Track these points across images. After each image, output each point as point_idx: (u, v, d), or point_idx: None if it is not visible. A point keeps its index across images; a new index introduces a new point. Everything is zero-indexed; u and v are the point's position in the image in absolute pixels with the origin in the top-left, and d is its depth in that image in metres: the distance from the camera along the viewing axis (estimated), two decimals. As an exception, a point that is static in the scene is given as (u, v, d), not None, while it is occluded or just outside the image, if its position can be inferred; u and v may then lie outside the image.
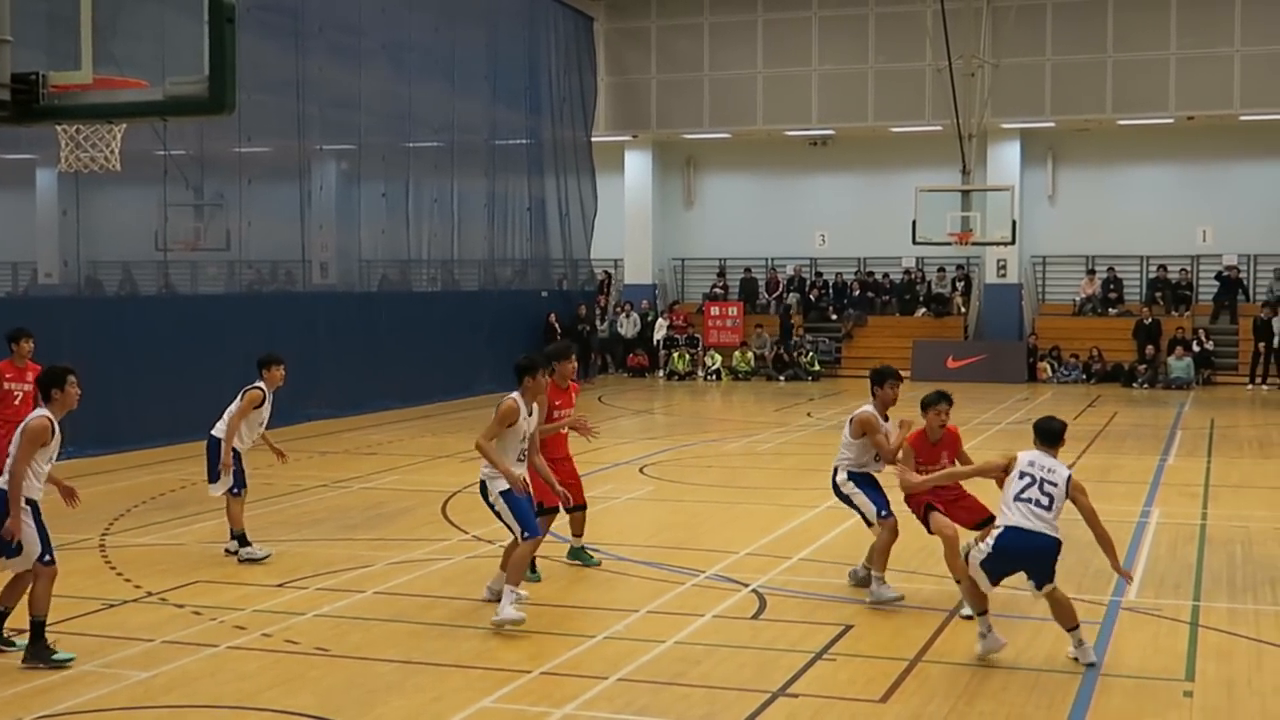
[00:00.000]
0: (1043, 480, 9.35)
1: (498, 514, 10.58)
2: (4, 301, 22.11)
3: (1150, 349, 33.93)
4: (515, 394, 10.61)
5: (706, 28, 37.89)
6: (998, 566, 9.30)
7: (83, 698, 8.60)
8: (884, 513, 11.11)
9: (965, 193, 33.50)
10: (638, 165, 39.85)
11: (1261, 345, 33.40)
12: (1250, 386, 33.25)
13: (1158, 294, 36.03)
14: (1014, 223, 33.40)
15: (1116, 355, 34.42)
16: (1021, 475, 9.41)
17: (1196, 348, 33.85)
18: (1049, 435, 9.67)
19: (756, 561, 12.78)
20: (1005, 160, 36.65)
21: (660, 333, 37.26)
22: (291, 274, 26.59)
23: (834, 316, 37.99)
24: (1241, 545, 13.83)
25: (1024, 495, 9.31)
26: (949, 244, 33.54)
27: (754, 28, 37.44)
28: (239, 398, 13.05)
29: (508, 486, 10.36)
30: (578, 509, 12.26)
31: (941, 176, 34.63)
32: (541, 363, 11.09)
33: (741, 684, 9.01)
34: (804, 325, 37.67)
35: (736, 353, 36.69)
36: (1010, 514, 9.32)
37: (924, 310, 37.61)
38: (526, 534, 10.38)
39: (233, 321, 23.39)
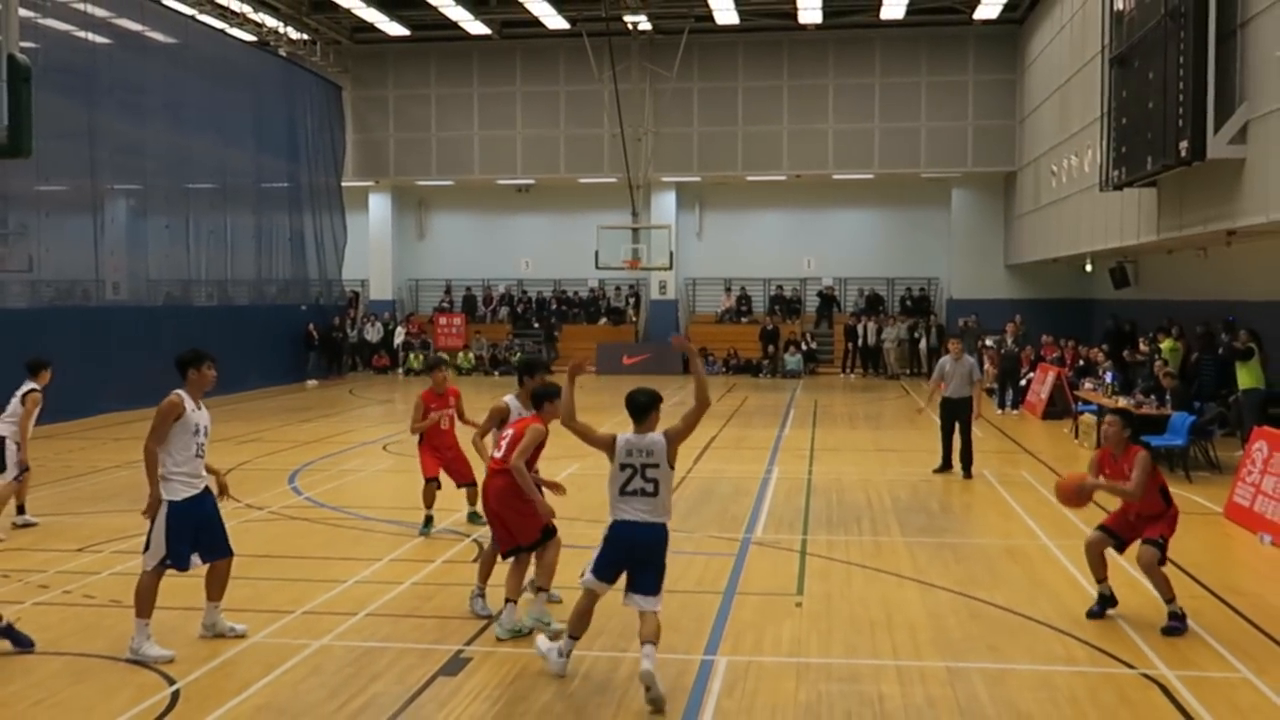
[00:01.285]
0: (645, 466, 7.38)
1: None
2: None
3: (771, 348, 35.30)
4: (509, 396, 9.71)
5: (434, 97, 37.44)
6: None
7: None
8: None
9: (635, 230, 34.25)
10: (379, 205, 39.05)
11: (850, 345, 35.21)
12: (843, 375, 35.03)
13: (776, 307, 37.52)
14: (671, 253, 34.36)
15: (747, 353, 35.68)
16: (623, 468, 7.43)
17: (805, 347, 35.37)
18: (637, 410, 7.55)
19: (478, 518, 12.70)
20: (664, 205, 37.44)
21: (399, 338, 36.64)
22: (87, 291, 24.92)
23: (536, 325, 38.09)
24: (836, 493, 14.49)
25: (629, 488, 7.42)
26: (623, 269, 34.24)
27: (470, 98, 37.21)
28: (20, 400, 11.87)
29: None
30: (470, 485, 12.08)
31: (616, 217, 35.18)
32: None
33: (465, 614, 8.92)
34: (513, 332, 37.65)
35: (460, 354, 36.37)
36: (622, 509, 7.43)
37: (605, 319, 38.12)
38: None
39: (33, 331, 21.74)
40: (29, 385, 12.02)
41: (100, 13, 24.55)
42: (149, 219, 27.32)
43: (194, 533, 8.03)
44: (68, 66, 22.92)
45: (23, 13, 6.60)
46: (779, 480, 15.53)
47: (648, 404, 7.53)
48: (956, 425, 15.81)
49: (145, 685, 7.36)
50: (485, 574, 8.98)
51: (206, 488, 8.18)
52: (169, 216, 27.54)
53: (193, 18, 29.69)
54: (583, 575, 7.54)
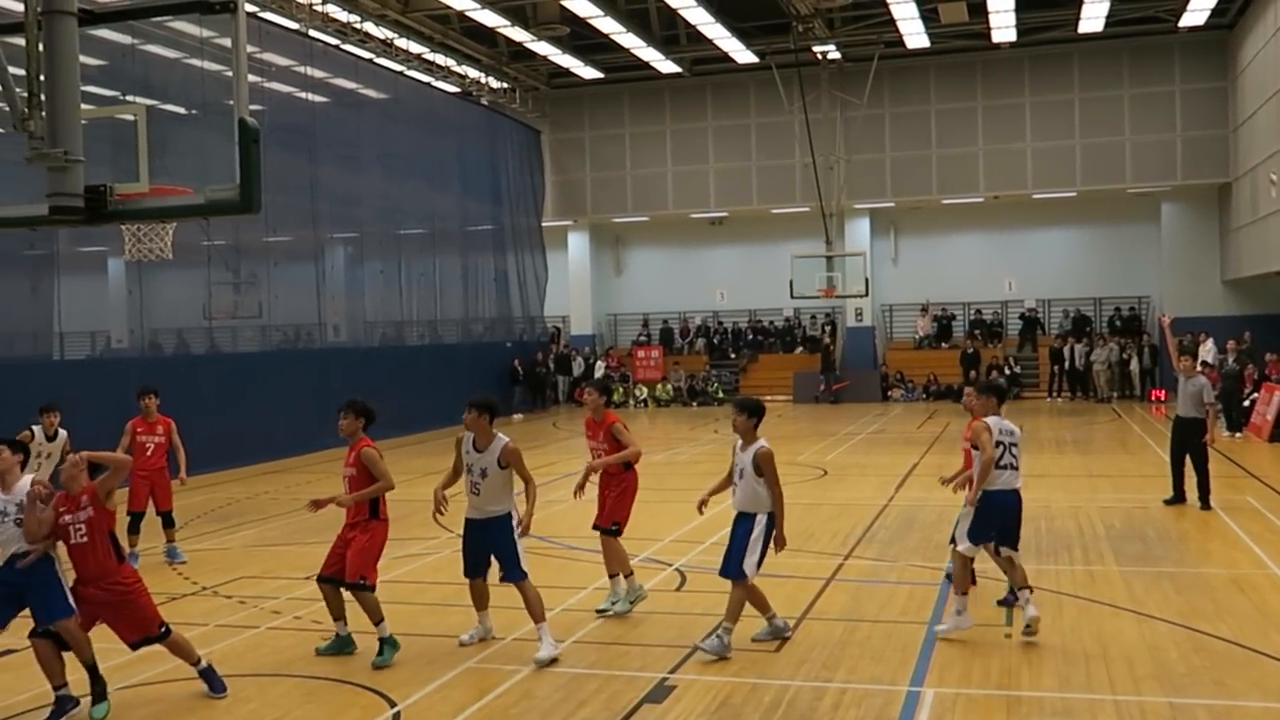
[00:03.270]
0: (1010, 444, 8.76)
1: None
2: (84, 363, 21.69)
3: (973, 373, 34.28)
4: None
5: (627, 136, 38.10)
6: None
7: (156, 670, 8.43)
8: None
9: (829, 258, 33.96)
10: (578, 243, 39.89)
11: (1057, 368, 33.91)
12: (1049, 399, 33.74)
13: (976, 331, 36.49)
14: (867, 280, 33.89)
15: (947, 378, 34.79)
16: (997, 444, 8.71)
17: (1007, 371, 34.28)
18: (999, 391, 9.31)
19: (678, 546, 12.78)
20: (858, 232, 37.01)
21: (599, 371, 37.23)
22: (310, 334, 26.34)
23: (732, 355, 38.16)
24: (1044, 520, 13.97)
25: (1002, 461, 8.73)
26: (818, 297, 33.95)
27: (663, 136, 37.70)
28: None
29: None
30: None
31: (810, 246, 34.98)
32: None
33: (668, 641, 8.98)
34: (709, 362, 37.82)
35: (659, 385, 36.72)
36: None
37: (800, 348, 37.87)
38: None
39: (265, 373, 23.13)
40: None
41: (318, 74, 26.03)
42: (365, 264, 28.73)
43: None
44: (290, 125, 24.33)
45: (250, 78, 7.08)
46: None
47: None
48: (1187, 451, 14.55)
49: (369, 706, 7.69)
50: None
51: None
52: (383, 261, 28.90)
53: (402, 73, 31.12)
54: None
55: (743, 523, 8.66)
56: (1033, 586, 9.04)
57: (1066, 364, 33.63)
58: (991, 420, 8.92)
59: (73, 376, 19.17)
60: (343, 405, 9.15)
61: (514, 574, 8.82)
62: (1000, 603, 9.74)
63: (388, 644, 8.68)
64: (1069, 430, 25.62)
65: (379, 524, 9.01)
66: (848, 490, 16.73)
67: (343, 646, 8.87)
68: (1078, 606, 9.88)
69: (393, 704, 7.70)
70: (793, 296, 33.65)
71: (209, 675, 7.97)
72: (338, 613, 8.88)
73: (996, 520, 8.87)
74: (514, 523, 8.85)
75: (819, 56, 34.32)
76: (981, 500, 8.82)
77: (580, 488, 10.17)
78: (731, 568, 8.62)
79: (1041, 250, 36.66)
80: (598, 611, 9.88)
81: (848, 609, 9.62)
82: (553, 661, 8.47)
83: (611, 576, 9.99)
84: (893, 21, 31.08)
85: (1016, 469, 8.89)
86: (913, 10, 29.80)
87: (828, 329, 37.79)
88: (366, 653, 8.86)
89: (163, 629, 7.85)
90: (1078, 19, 31.23)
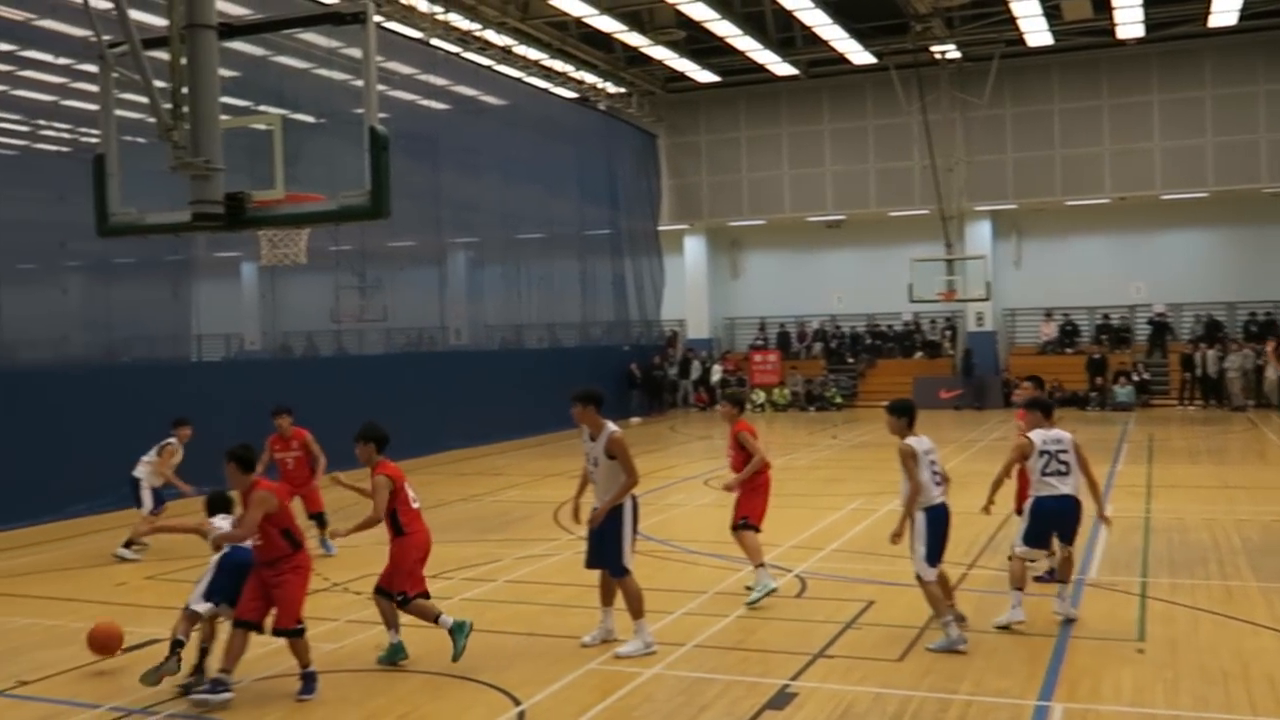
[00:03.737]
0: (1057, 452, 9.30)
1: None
2: (220, 364, 22.45)
3: (1099, 379, 33.37)
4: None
5: (743, 139, 38.01)
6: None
7: (292, 662, 8.51)
8: None
9: (949, 261, 33.35)
10: (694, 247, 39.88)
11: (1188, 375, 32.76)
12: (1180, 407, 32.59)
13: (1103, 336, 35.45)
14: (988, 283, 33.20)
15: (1072, 385, 33.83)
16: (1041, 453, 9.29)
17: (1136, 378, 33.23)
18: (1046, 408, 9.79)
19: (798, 552, 12.68)
20: (979, 235, 36.28)
21: (716, 375, 37.15)
22: (433, 338, 26.85)
23: (850, 360, 37.74)
24: (1177, 533, 13.53)
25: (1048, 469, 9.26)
26: (938, 301, 33.38)
27: (780, 139, 37.52)
28: (157, 451, 13.45)
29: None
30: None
31: (929, 249, 34.38)
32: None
33: (789, 648, 8.91)
34: (827, 367, 37.47)
35: (776, 390, 36.49)
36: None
37: (920, 353, 37.26)
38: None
39: (388, 375, 23.61)
40: (168, 439, 13.54)
41: (440, 81, 26.54)
42: (485, 269, 29.20)
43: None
44: (413, 133, 24.84)
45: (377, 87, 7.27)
46: (1112, 518, 14.60)
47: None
48: None
49: (494, 704, 7.78)
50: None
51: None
52: (502, 266, 29.33)
53: (520, 80, 31.52)
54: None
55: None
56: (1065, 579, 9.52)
57: (1198, 371, 32.45)
58: (1037, 433, 9.36)
59: (209, 378, 19.84)
60: (357, 433, 9.13)
61: (615, 569, 8.92)
62: (1039, 579, 10.28)
63: (396, 649, 8.84)
64: (1202, 440, 24.73)
65: (405, 539, 8.83)
66: (971, 497, 16.38)
67: (394, 655, 8.84)
68: (1214, 623, 9.52)
69: (517, 702, 7.78)
70: (912, 300, 33.16)
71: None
72: (390, 621, 8.92)
73: (1052, 524, 9.34)
74: (625, 515, 8.89)
75: (938, 56, 33.76)
76: (1032, 506, 9.34)
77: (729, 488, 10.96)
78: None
79: (1171, 253, 35.41)
80: (748, 605, 10.27)
81: (972, 619, 9.41)
82: (645, 654, 8.65)
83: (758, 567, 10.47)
84: (1013, 20, 30.40)
85: (1065, 474, 9.26)
86: (1035, 7, 29.11)
87: (947, 333, 37.15)
88: (496, 650, 8.99)
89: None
90: (1208, 13, 30.16)
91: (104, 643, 8.89)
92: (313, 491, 13.22)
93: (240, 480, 8.10)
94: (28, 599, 11.48)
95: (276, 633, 8.14)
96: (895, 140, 35.83)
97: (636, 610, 8.86)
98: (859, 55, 33.49)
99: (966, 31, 32.48)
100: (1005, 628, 9.25)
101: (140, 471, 13.62)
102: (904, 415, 9.06)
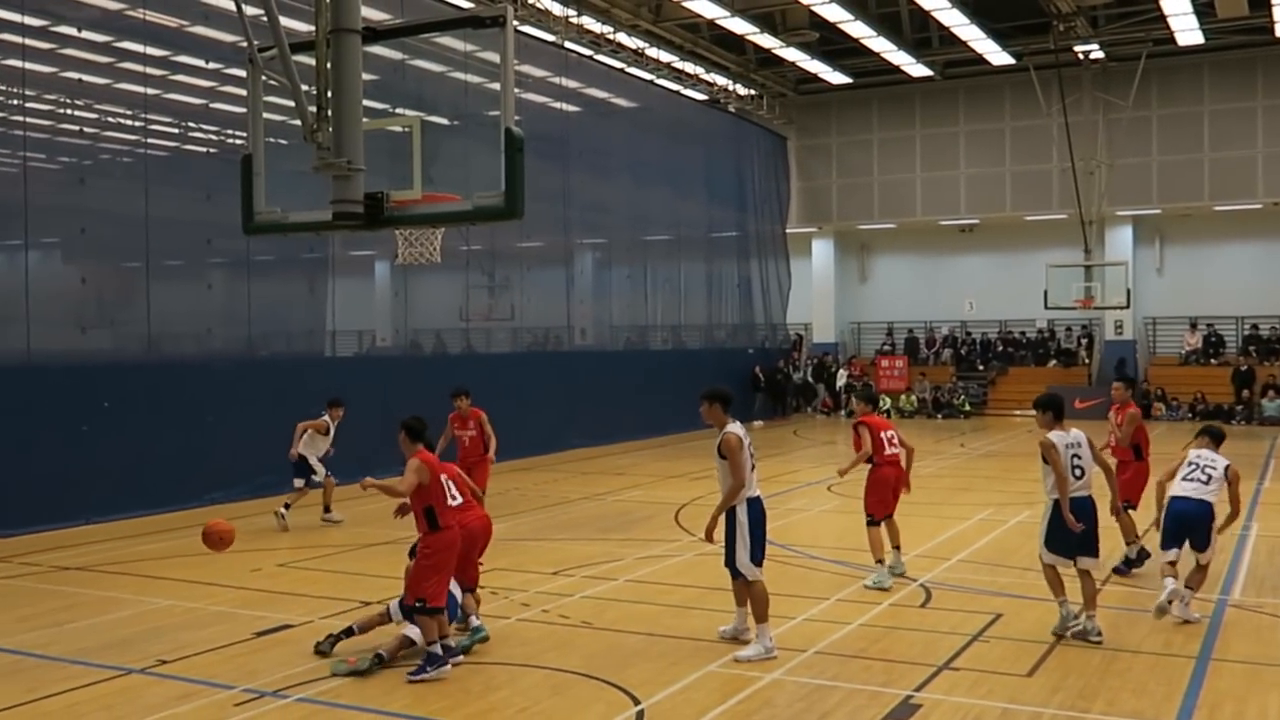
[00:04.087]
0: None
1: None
2: (352, 360, 23.05)
3: (1245, 392, 32.04)
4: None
5: (875, 142, 37.56)
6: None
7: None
8: None
9: (1087, 267, 32.40)
10: (822, 250, 39.54)
11: (1343, 388, 31.26)
12: (1334, 422, 31.09)
13: (1251, 347, 34.03)
14: (1128, 291, 32.15)
15: (1217, 398, 32.57)
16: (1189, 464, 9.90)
17: (1286, 390, 31.87)
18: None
19: (923, 561, 12.47)
20: (1120, 241, 35.16)
21: (841, 380, 36.82)
22: (558, 337, 27.16)
23: (980, 367, 36.97)
24: (1331, 554, 12.93)
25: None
26: (1074, 309, 32.48)
27: (913, 141, 36.98)
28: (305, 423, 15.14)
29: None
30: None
31: (1066, 254, 33.42)
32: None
33: (912, 659, 8.78)
34: (956, 374, 36.77)
35: (903, 396, 35.96)
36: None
37: (1054, 362, 36.27)
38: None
39: (515, 374, 23.99)
40: (324, 415, 15.28)
41: (572, 84, 26.83)
42: (612, 270, 29.41)
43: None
44: (545, 134, 25.15)
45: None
46: (1259, 537, 14.05)
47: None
48: None
49: (614, 702, 7.84)
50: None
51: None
52: (629, 267, 29.51)
53: (651, 82, 31.67)
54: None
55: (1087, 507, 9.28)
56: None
57: (1355, 385, 30.94)
58: (1057, 434, 9.27)
59: (342, 372, 20.41)
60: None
61: (733, 571, 8.96)
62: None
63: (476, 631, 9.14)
64: (1357, 457, 23.58)
65: (436, 536, 8.56)
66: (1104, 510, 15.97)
67: (474, 635, 9.12)
68: (1369, 649, 9.08)
69: (637, 701, 7.83)
70: (1047, 307, 32.31)
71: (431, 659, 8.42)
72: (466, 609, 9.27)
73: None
74: (740, 518, 8.84)
75: (1081, 57, 32.85)
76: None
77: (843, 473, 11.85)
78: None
79: (1328, 261, 33.85)
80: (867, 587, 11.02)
81: (1107, 637, 9.14)
82: (765, 659, 8.62)
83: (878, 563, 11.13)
84: (1162, 17, 29.37)
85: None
86: (1185, 5, 28.07)
87: (1083, 342, 36.12)
88: (616, 649, 9.06)
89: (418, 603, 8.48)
90: (1376, 10, 28.72)
91: (220, 536, 9.72)
92: (482, 466, 13.82)
93: (409, 447, 8.69)
94: (169, 581, 11.98)
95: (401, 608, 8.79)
96: (1033, 142, 34.99)
97: (760, 614, 8.85)
98: (997, 56, 32.78)
99: (1112, 30, 31.52)
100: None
101: (302, 449, 14.96)
102: (1047, 410, 9.42)
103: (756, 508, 8.93)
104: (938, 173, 36.58)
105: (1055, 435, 9.27)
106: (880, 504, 11.39)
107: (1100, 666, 8.53)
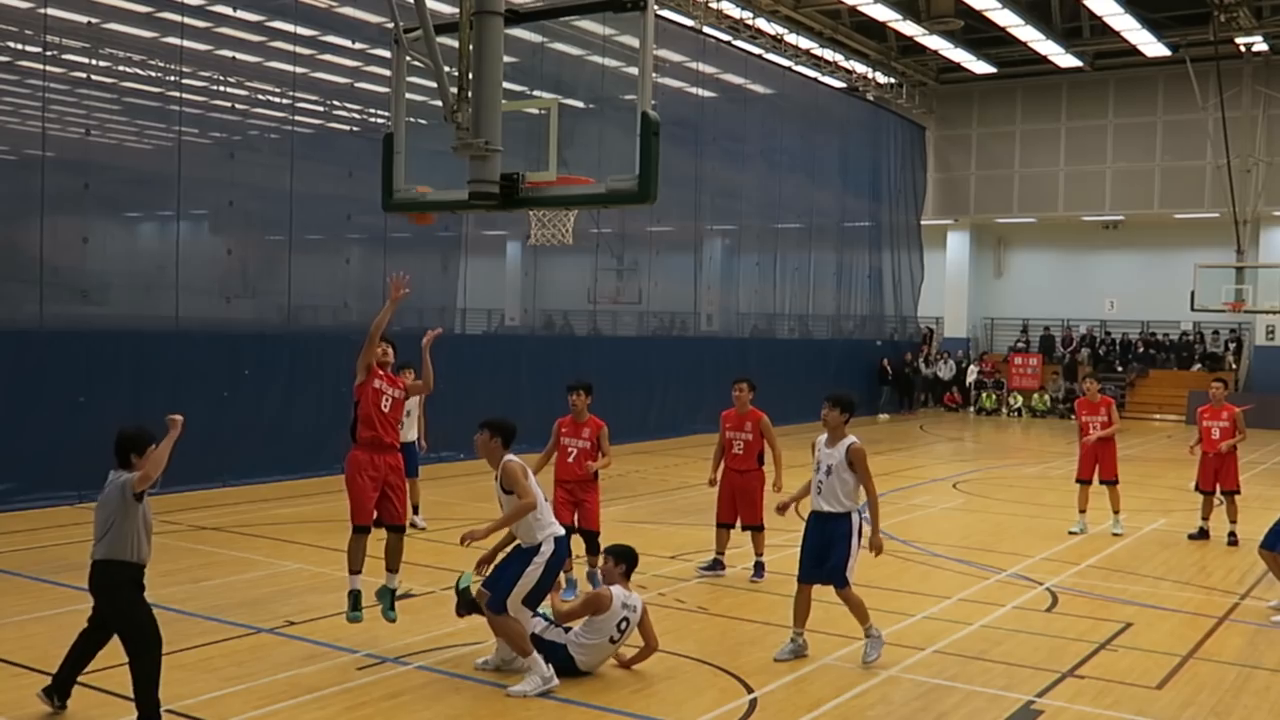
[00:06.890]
0: None
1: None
2: (481, 337, 23.47)
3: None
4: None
5: (1018, 134, 36.67)
6: None
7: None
8: None
9: (1239, 269, 31.19)
10: (957, 243, 38.80)
11: None
12: None
13: None
14: (1283, 294, 30.83)
15: (1375, 410, 31.03)
16: None
17: None
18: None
19: (1050, 565, 12.21)
20: (1275, 242, 33.67)
21: (972, 376, 36.14)
22: (685, 322, 27.21)
23: (1119, 368, 35.84)
24: None
25: None
26: (1223, 311, 31.27)
27: (1058, 134, 36.00)
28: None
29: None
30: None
31: (1217, 255, 32.22)
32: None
33: (1035, 664, 8.61)
34: (1092, 374, 35.72)
35: (1035, 395, 35.10)
36: None
37: (1199, 365, 34.96)
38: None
39: (640, 357, 24.13)
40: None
41: (709, 69, 26.79)
42: (741, 257, 29.31)
43: None
44: (679, 119, 25.18)
45: (650, 74, 7.44)
46: None
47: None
48: None
49: (727, 690, 7.87)
50: None
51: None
52: (759, 254, 29.37)
53: (789, 69, 31.41)
54: None
55: None
56: None
57: None
58: None
59: (471, 350, 20.78)
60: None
61: (837, 580, 8.56)
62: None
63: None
64: None
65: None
66: (1249, 523, 15.34)
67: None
68: None
69: (750, 690, 7.84)
70: (1193, 309, 31.18)
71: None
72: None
73: None
74: (852, 528, 8.52)
75: (1242, 49, 31.51)
76: None
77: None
78: None
79: None
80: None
81: (1242, 653, 8.83)
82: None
83: None
84: (1334, 9, 28.04)
85: None
86: (1360, -5, 26.75)
87: (1232, 346, 34.74)
88: (731, 636, 9.11)
89: None
90: None
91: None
92: (593, 501, 12.07)
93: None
94: (299, 545, 12.41)
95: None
96: (1186, 137, 33.72)
97: (863, 616, 8.58)
98: (1151, 47, 31.67)
99: (1277, 23, 30.15)
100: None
101: (411, 435, 13.77)
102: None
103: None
104: (1083, 167, 35.54)
105: None
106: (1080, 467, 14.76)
107: (1235, 684, 8.25)
